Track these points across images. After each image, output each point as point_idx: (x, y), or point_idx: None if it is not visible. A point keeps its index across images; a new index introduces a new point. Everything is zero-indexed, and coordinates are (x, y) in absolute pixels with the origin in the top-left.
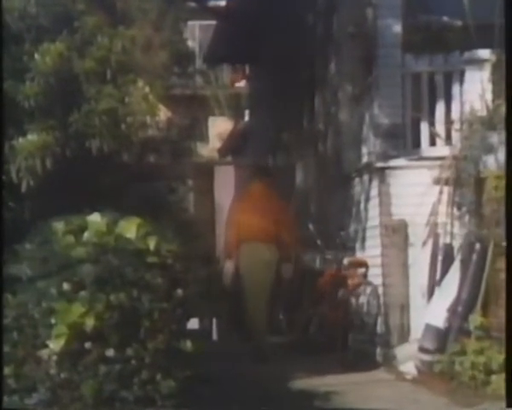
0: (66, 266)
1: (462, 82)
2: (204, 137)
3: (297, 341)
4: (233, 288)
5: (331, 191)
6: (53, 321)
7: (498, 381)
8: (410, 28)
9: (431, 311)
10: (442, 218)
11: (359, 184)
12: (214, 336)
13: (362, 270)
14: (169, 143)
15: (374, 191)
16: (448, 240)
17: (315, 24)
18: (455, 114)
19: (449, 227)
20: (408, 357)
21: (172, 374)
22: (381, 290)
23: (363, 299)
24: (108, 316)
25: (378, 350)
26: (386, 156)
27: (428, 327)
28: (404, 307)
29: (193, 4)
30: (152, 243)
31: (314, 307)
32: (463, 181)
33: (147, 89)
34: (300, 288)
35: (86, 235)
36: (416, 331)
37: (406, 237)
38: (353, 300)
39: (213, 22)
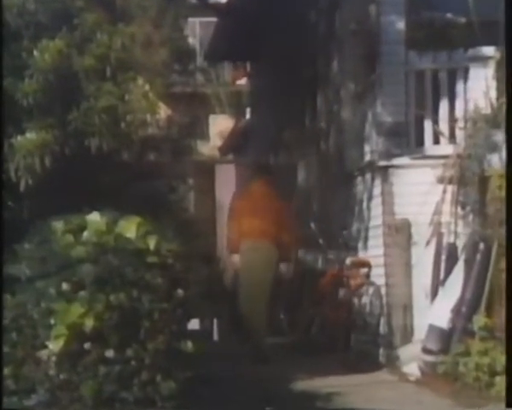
0: (65, 266)
1: (466, 79)
2: (205, 136)
3: (298, 341)
4: (234, 286)
5: (333, 190)
6: (52, 322)
7: (503, 382)
8: (413, 25)
9: (434, 311)
10: (446, 217)
11: (362, 183)
12: (215, 336)
13: (364, 270)
14: (169, 141)
15: (376, 190)
16: (452, 239)
17: (317, 21)
18: (459, 112)
19: (453, 226)
20: (411, 358)
21: (173, 375)
22: (383, 290)
23: (365, 299)
24: (108, 316)
25: (381, 351)
26: (389, 155)
27: (432, 328)
28: (408, 308)
29: (193, 1)
30: (152, 243)
31: (316, 308)
32: (467, 180)
33: (147, 86)
34: (302, 288)
35: (86, 234)
36: (420, 332)
37: (409, 236)
38: (356, 300)
39: (214, 19)
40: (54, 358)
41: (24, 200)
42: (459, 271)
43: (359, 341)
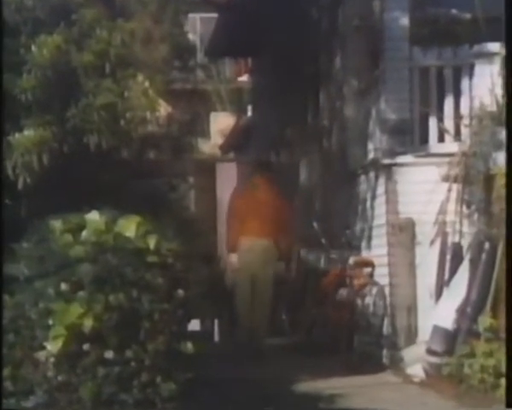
0: (64, 266)
1: (471, 76)
2: (205, 133)
3: (300, 342)
4: (233, 285)
5: (336, 189)
6: (50, 322)
7: None
8: (417, 21)
9: (439, 312)
10: (450, 216)
11: (365, 182)
12: (216, 337)
13: (368, 270)
14: (169, 139)
15: (380, 189)
16: (457, 239)
17: (320, 16)
18: (464, 110)
19: (458, 226)
20: (415, 359)
21: (173, 376)
22: (387, 291)
23: (369, 299)
24: (107, 317)
25: (384, 352)
26: (392, 153)
27: (436, 329)
28: (412, 308)
29: None
30: (152, 242)
31: (318, 308)
32: (473, 178)
33: (146, 83)
34: (304, 288)
35: (84, 234)
36: (424, 333)
37: (413, 235)
38: (359, 300)
39: (215, 15)
40: (52, 359)
41: (22, 198)
42: (464, 271)
43: (362, 342)
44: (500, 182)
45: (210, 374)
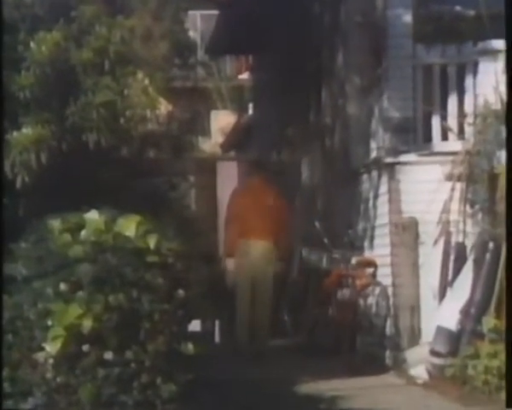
0: (62, 266)
1: (475, 74)
2: (206, 132)
3: (302, 343)
4: (234, 286)
5: (338, 188)
6: (49, 323)
7: None
8: (421, 18)
9: (443, 312)
10: (454, 215)
11: (368, 181)
12: (217, 338)
13: (370, 270)
14: (170, 137)
15: (383, 188)
16: (460, 239)
17: (321, 13)
18: (468, 108)
19: (461, 225)
20: (419, 361)
21: (173, 378)
22: (390, 291)
23: (371, 300)
24: (107, 317)
25: (387, 353)
26: (395, 151)
27: (440, 329)
28: (415, 309)
29: None
30: (152, 242)
31: (320, 308)
32: (476, 177)
33: (146, 81)
34: (306, 288)
35: (84, 233)
36: (427, 334)
37: (417, 235)
38: (361, 301)
39: (215, 12)
40: (51, 360)
41: (20, 197)
42: (468, 271)
43: (365, 343)
44: (504, 181)
45: (211, 375)
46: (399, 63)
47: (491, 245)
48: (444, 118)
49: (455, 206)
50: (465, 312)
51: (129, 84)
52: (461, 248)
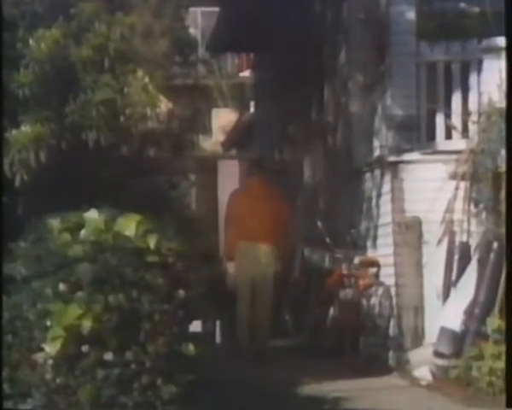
0: (62, 266)
1: (479, 71)
2: (207, 130)
3: (304, 344)
4: (235, 288)
5: (341, 187)
6: (48, 323)
7: None
8: (424, 15)
9: (446, 313)
10: (458, 215)
11: (370, 180)
12: (218, 338)
13: (373, 269)
14: (170, 135)
15: (386, 187)
16: (464, 238)
17: (323, 9)
18: (472, 106)
19: (465, 225)
20: (422, 362)
21: (174, 379)
22: (393, 291)
23: (374, 300)
24: (107, 318)
25: (391, 354)
26: (399, 150)
27: (444, 330)
28: (418, 309)
29: None
30: (152, 242)
31: (322, 309)
32: (481, 176)
33: (147, 79)
34: (308, 288)
35: (83, 233)
36: (431, 335)
37: (420, 235)
38: (364, 301)
39: (216, 8)
40: (50, 361)
41: (19, 196)
42: (472, 271)
43: (368, 343)
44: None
45: (212, 376)
46: (403, 60)
47: (495, 245)
48: (448, 116)
49: (459, 205)
50: (469, 312)
51: (129, 82)
52: (465, 247)
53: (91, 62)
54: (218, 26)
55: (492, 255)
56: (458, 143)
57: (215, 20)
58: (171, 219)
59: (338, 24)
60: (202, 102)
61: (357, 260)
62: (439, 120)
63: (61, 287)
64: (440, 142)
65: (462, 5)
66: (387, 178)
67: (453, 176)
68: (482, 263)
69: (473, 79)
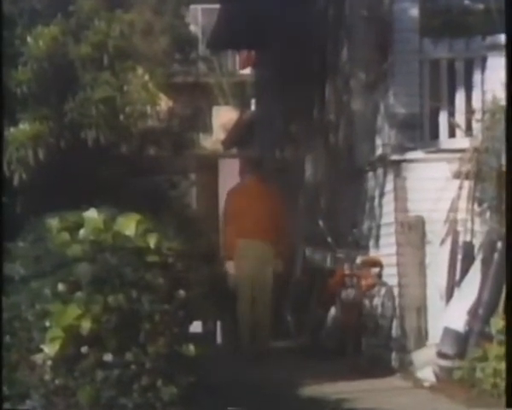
0: (61, 266)
1: (483, 69)
2: (207, 128)
3: (306, 344)
4: (235, 288)
5: (343, 186)
6: (47, 324)
7: None
8: (428, 12)
9: (450, 313)
10: (462, 214)
11: (373, 179)
12: (218, 339)
13: (376, 269)
14: (170, 134)
15: (389, 186)
16: (468, 238)
17: (326, 6)
18: (476, 104)
19: (469, 224)
20: (425, 363)
21: (174, 380)
22: (396, 291)
23: (377, 300)
24: (106, 318)
25: (393, 355)
26: (402, 148)
27: (447, 331)
28: (422, 310)
29: None
30: (152, 241)
31: (324, 309)
32: (485, 175)
33: (146, 77)
34: (310, 288)
35: (82, 232)
36: (434, 335)
37: (423, 234)
38: (367, 301)
39: (217, 6)
40: (49, 362)
41: (17, 195)
42: (476, 271)
43: (370, 344)
44: None
45: (212, 377)
46: (406, 58)
47: (499, 244)
48: (451, 114)
49: (462, 204)
50: (473, 312)
51: (128, 80)
52: (468, 247)
53: (90, 60)
54: (218, 24)
55: (496, 255)
56: (462, 141)
57: (216, 17)
58: (172, 218)
59: (340, 21)
60: (203, 100)
61: (359, 260)
62: (443, 118)
63: (60, 287)
64: (444, 140)
65: (466, 2)
66: (390, 177)
67: (457, 175)
68: (486, 263)
69: (477, 76)
